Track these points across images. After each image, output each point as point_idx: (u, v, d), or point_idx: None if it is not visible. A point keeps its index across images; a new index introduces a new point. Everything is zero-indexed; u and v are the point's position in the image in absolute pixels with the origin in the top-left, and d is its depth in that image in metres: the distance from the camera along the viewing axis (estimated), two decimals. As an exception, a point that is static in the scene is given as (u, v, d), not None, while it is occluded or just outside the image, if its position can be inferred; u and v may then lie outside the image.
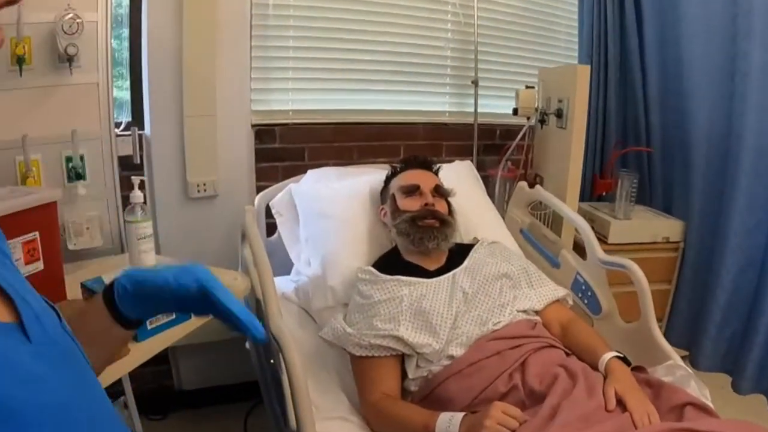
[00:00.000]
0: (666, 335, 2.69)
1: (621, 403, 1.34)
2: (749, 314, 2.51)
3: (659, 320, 2.70)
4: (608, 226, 2.63)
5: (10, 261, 0.66)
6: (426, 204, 1.83)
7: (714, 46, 2.46)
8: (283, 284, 2.11)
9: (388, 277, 1.70)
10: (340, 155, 2.60)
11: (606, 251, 1.94)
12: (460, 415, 1.34)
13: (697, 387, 1.52)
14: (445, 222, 1.82)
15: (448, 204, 1.93)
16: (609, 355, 1.49)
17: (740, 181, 2.40)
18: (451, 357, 1.54)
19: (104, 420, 0.64)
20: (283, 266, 2.17)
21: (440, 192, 1.91)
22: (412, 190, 1.87)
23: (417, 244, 1.76)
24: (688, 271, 2.72)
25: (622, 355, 1.51)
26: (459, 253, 1.82)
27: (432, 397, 1.54)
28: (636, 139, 2.97)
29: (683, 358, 2.52)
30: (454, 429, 1.32)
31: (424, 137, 2.77)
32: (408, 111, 2.74)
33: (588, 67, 2.39)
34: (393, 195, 1.91)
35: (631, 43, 2.83)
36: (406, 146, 2.71)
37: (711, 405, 1.35)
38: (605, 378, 1.44)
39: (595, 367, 1.50)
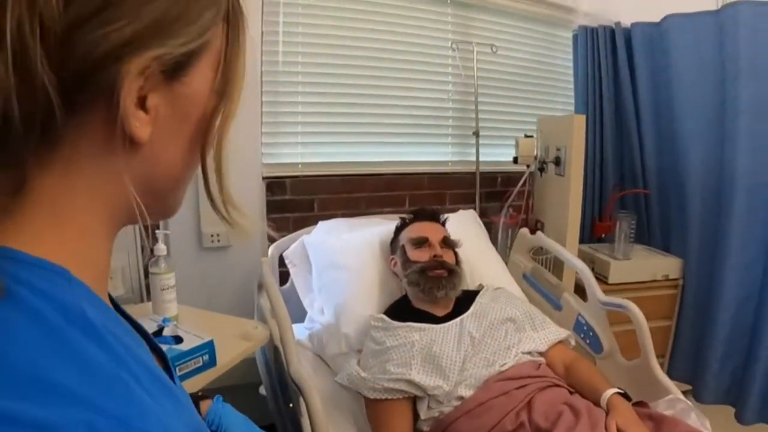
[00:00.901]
0: (669, 371, 2.82)
1: None
2: (749, 347, 2.57)
3: (661, 356, 2.80)
4: (608, 267, 2.69)
5: None
6: (435, 255, 1.93)
7: (705, 91, 2.56)
8: (298, 331, 2.17)
9: (400, 323, 1.79)
10: (348, 206, 2.67)
11: (607, 291, 2.03)
12: None
13: (697, 419, 1.60)
14: (452, 272, 1.92)
15: (455, 254, 2.03)
16: (610, 391, 1.58)
17: (734, 219, 2.48)
18: (461, 398, 1.63)
19: None
20: (296, 314, 2.23)
21: (448, 243, 2.01)
22: (421, 242, 1.97)
23: (427, 293, 1.86)
24: (687, 308, 2.78)
25: (623, 392, 1.59)
26: (465, 300, 1.92)
27: None
28: (633, 182, 3.03)
29: (686, 392, 2.61)
30: None
31: (429, 186, 2.86)
32: (412, 162, 2.82)
33: (584, 117, 2.47)
34: (403, 246, 2.01)
35: (625, 90, 2.92)
36: (412, 196, 2.80)
37: None
38: (607, 413, 1.52)
39: (597, 404, 1.58)
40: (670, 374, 2.82)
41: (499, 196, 2.95)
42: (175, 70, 0.49)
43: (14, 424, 0.35)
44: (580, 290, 2.20)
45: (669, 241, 2.93)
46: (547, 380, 1.66)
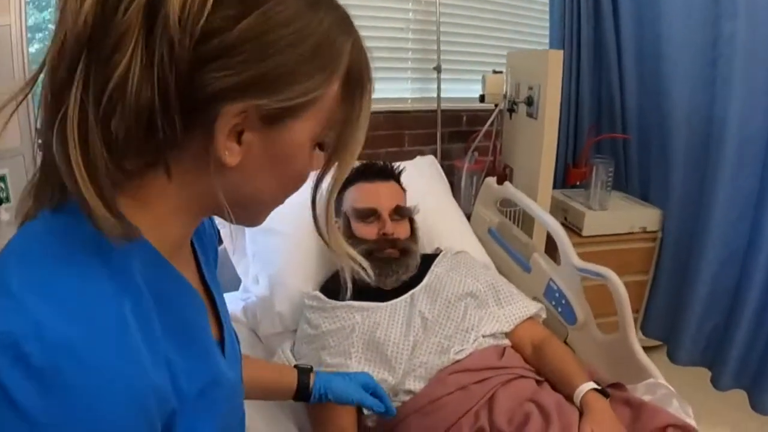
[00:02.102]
0: (643, 328, 2.71)
1: None
2: (731, 308, 2.41)
3: (635, 312, 2.66)
4: (582, 218, 2.48)
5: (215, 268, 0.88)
6: (384, 233, 1.64)
7: (695, 26, 2.31)
8: (232, 302, 1.90)
9: (338, 303, 1.52)
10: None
11: (581, 244, 1.83)
12: None
13: (680, 406, 1.40)
14: (406, 251, 1.64)
15: (411, 223, 1.74)
16: (585, 387, 1.34)
17: (723, 171, 2.27)
18: (410, 392, 1.38)
19: None
20: (232, 281, 1.98)
21: (401, 213, 1.71)
22: (367, 215, 1.66)
23: (374, 279, 1.53)
24: (666, 262, 2.61)
25: (599, 387, 1.36)
26: (420, 266, 1.65)
27: None
28: (611, 124, 2.83)
29: (658, 348, 2.46)
30: None
31: (386, 126, 2.61)
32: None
33: (561, 52, 2.20)
34: (346, 215, 1.70)
35: (606, 24, 2.67)
36: (367, 137, 2.50)
37: (694, 424, 1.26)
38: (581, 414, 1.29)
39: (570, 399, 1.36)
40: (644, 331, 2.71)
41: (464, 136, 2.72)
42: (273, 118, 0.58)
43: None
44: (552, 248, 1.98)
45: (648, 189, 2.73)
46: (511, 371, 1.41)
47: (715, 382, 2.43)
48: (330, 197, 0.70)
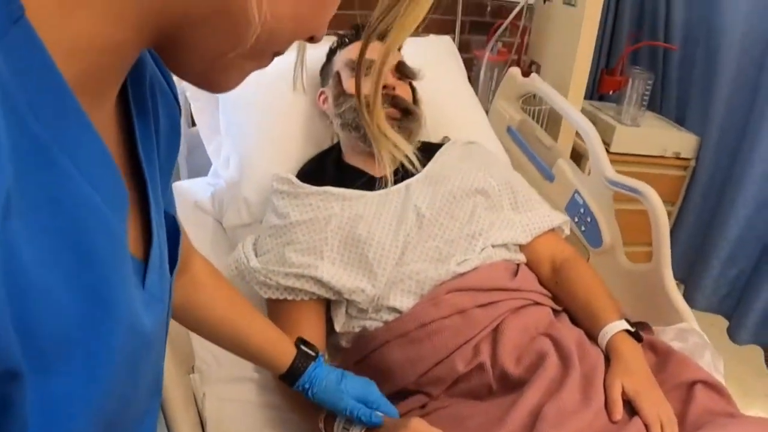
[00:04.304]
0: None
1: (628, 405, 0.98)
2: (760, 256, 2.22)
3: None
4: (612, 132, 2.22)
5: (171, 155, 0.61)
6: (384, 86, 1.31)
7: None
8: (199, 189, 1.63)
9: (313, 188, 1.22)
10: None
11: None
12: None
13: (711, 360, 1.20)
14: (408, 111, 1.33)
15: (413, 89, 1.43)
16: (616, 326, 1.08)
17: None
18: (394, 310, 1.11)
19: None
20: (204, 165, 1.70)
21: (403, 72, 1.40)
22: (365, 67, 1.32)
23: (367, 140, 1.27)
24: (696, 195, 2.39)
25: (632, 328, 1.09)
26: (421, 156, 1.34)
27: (368, 362, 1.13)
28: (653, 33, 2.51)
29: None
30: None
31: (396, 4, 2.25)
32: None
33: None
34: (337, 73, 1.38)
35: None
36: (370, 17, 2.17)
37: (723, 382, 1.09)
38: (609, 360, 1.04)
39: (593, 336, 1.11)
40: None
41: (485, 28, 2.38)
42: None
43: None
44: (577, 158, 1.77)
45: (685, 113, 2.46)
46: (525, 296, 1.13)
47: (732, 334, 2.28)
48: (382, 64, 0.58)
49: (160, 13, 0.39)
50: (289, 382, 0.96)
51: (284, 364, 0.93)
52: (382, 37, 0.55)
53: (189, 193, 1.61)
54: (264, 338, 0.93)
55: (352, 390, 0.95)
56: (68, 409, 0.36)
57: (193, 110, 1.68)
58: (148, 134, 0.53)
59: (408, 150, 0.61)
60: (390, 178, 0.96)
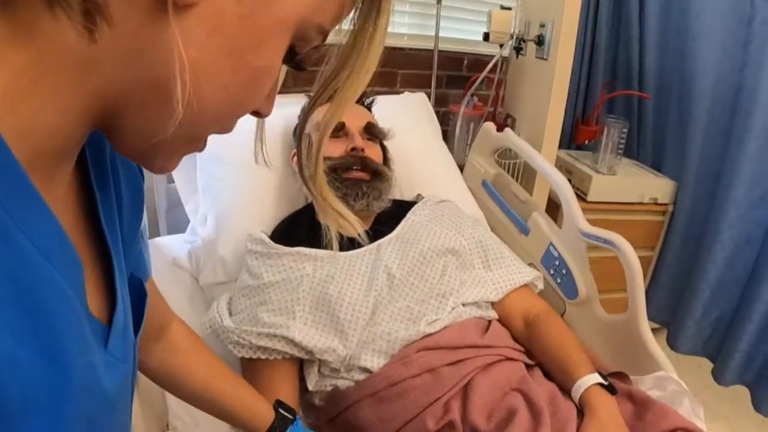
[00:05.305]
0: None
1: None
2: (741, 297, 2.21)
3: None
4: (589, 181, 2.23)
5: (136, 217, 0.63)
6: (353, 149, 1.34)
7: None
8: (177, 246, 1.63)
9: (285, 249, 1.23)
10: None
11: (584, 209, 1.57)
12: None
13: (690, 407, 1.18)
14: (377, 173, 1.35)
15: (383, 149, 1.45)
16: (589, 380, 1.07)
17: (748, 144, 2.02)
18: (365, 370, 1.11)
19: None
20: (184, 221, 1.71)
21: (372, 132, 1.43)
22: (335, 129, 1.36)
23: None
24: (675, 240, 2.39)
25: (606, 381, 1.08)
26: (393, 214, 1.37)
27: (340, 420, 1.12)
28: (627, 82, 2.55)
29: (654, 332, 2.31)
30: None
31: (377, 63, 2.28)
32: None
33: (579, -14, 1.91)
34: (309, 135, 1.39)
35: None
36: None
37: (704, 429, 1.08)
38: (581, 416, 1.03)
39: (568, 390, 1.10)
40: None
41: (462, 82, 2.40)
42: None
43: None
44: (552, 210, 1.74)
45: (661, 158, 2.48)
46: (495, 352, 1.13)
47: (717, 376, 2.25)
48: (323, 134, 0.58)
49: (101, 99, 0.41)
50: None
51: (262, 427, 0.93)
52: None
53: (167, 249, 1.61)
54: (242, 401, 0.93)
55: None
56: None
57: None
58: (109, 205, 0.55)
59: (353, 219, 0.62)
60: (364, 236, 0.98)
